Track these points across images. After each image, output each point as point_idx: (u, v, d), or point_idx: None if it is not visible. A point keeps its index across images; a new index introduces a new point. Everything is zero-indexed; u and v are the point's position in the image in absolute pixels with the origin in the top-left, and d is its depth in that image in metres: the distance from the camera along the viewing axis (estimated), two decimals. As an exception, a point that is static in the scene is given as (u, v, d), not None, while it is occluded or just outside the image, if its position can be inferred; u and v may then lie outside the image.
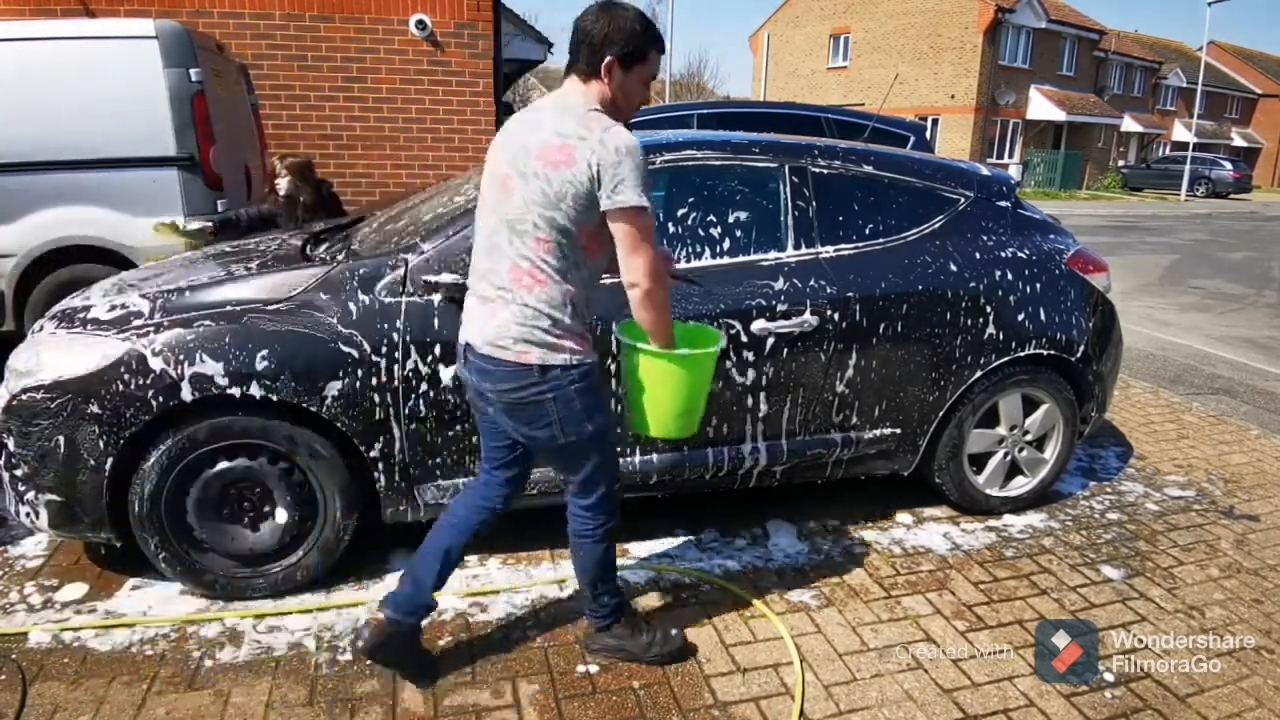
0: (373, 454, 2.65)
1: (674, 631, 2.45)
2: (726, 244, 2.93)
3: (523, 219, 2.00)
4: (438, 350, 2.62)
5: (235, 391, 2.48)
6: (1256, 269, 12.13)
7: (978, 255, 3.19)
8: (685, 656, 2.42)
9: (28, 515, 2.59)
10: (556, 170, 1.95)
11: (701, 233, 2.93)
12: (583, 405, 2.10)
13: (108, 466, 2.48)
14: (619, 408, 2.75)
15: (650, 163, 2.91)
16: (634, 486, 2.92)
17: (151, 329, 2.51)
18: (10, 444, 2.53)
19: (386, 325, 2.59)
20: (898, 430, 3.16)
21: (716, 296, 2.84)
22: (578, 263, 2.05)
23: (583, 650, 2.44)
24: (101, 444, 2.46)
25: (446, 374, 2.64)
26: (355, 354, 2.56)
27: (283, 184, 4.35)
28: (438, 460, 2.72)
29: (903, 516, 3.37)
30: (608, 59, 1.99)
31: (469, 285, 2.20)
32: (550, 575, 2.85)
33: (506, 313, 2.04)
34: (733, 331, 2.84)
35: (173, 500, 2.54)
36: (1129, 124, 34.43)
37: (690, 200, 2.96)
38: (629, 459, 2.87)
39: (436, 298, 2.63)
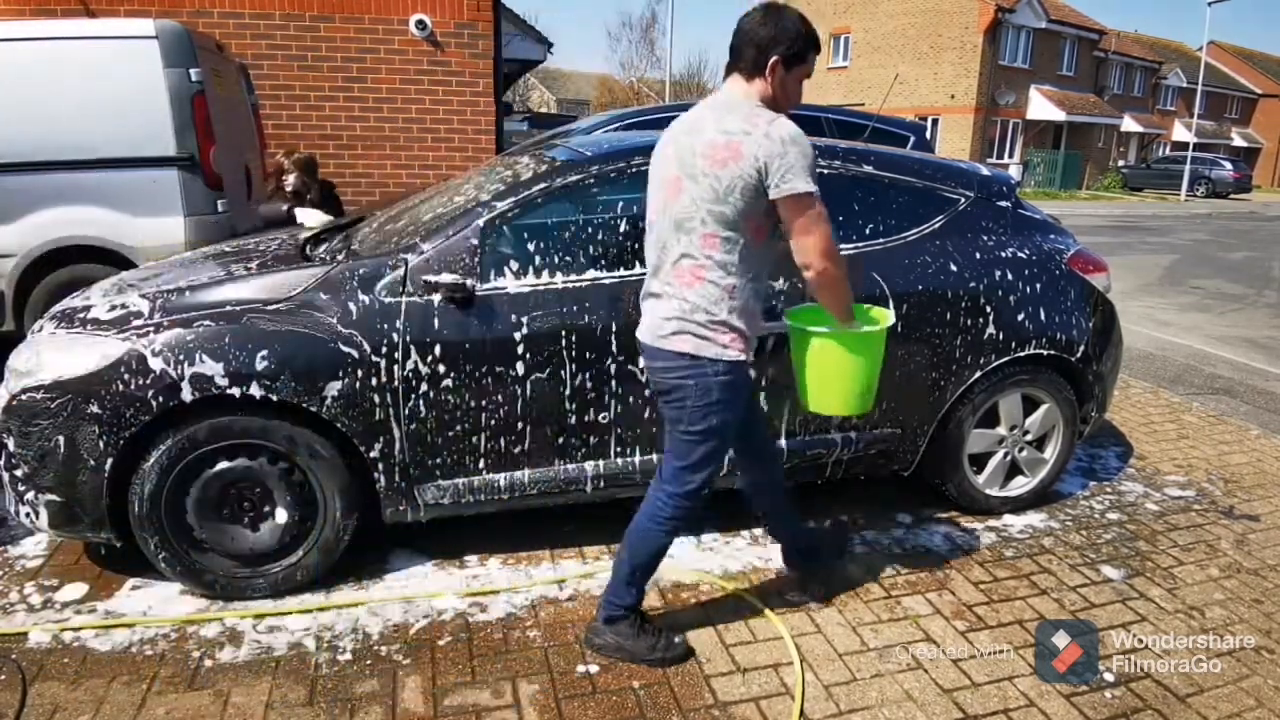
0: (373, 454, 2.65)
1: (677, 639, 2.45)
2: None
3: (691, 217, 2.13)
4: (438, 350, 2.62)
5: (235, 391, 2.48)
6: (1256, 269, 12.12)
7: (978, 255, 3.19)
8: (685, 660, 2.42)
9: (28, 515, 2.59)
10: (724, 167, 2.07)
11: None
12: (717, 399, 2.19)
13: (108, 466, 2.48)
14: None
15: (650, 163, 2.93)
16: (634, 485, 2.92)
17: (151, 329, 2.52)
18: (10, 444, 2.53)
19: (386, 325, 2.59)
20: (898, 430, 3.16)
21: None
22: (745, 254, 2.15)
23: (582, 650, 2.44)
24: (101, 444, 2.46)
25: (446, 374, 2.64)
26: (355, 354, 2.56)
27: (291, 180, 4.35)
28: (438, 460, 2.72)
29: (903, 516, 3.37)
30: (773, 59, 2.12)
31: (644, 287, 2.33)
32: (550, 575, 2.85)
33: (667, 306, 2.20)
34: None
35: (173, 500, 2.54)
36: (1129, 124, 34.42)
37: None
38: (628, 459, 2.87)
39: (436, 298, 2.63)
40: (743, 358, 2.21)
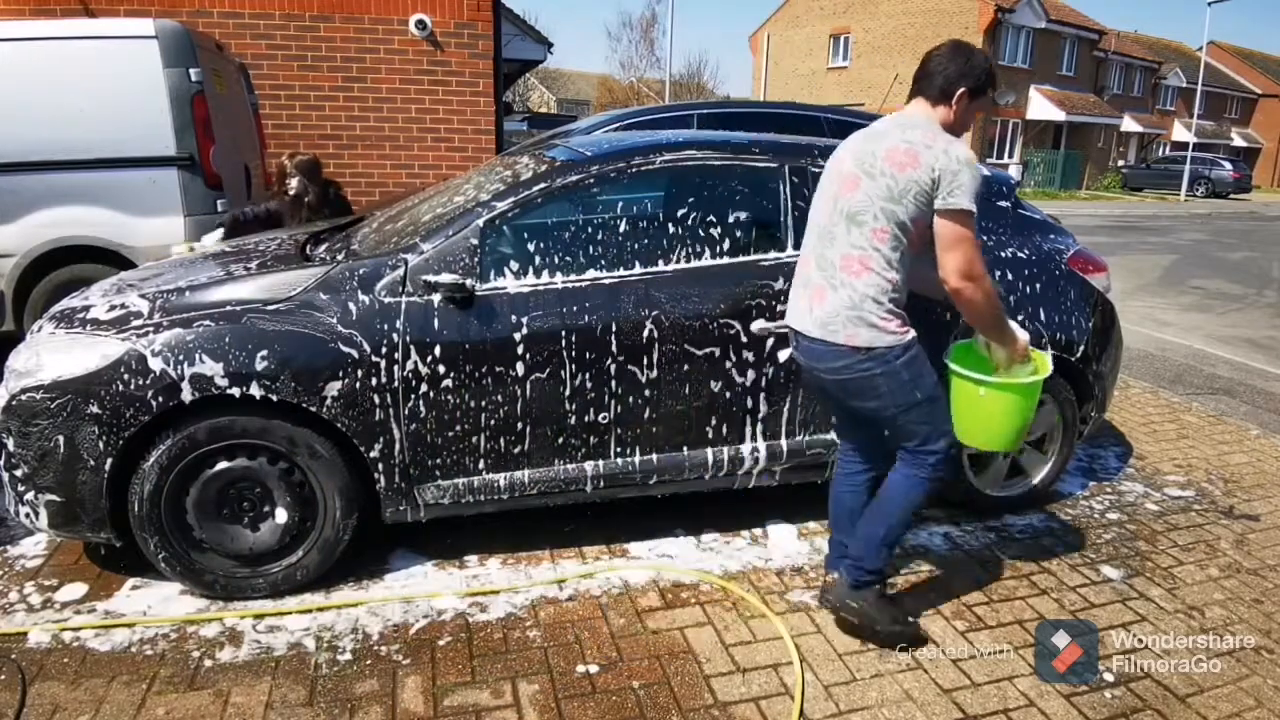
0: (373, 454, 2.65)
1: (911, 618, 2.55)
2: (726, 244, 2.93)
3: (864, 211, 2.28)
4: (437, 350, 2.62)
5: (235, 392, 2.48)
6: (1256, 269, 12.13)
7: (978, 255, 3.18)
8: (919, 643, 2.50)
9: (28, 515, 2.59)
10: (903, 171, 2.23)
11: (701, 232, 2.92)
12: (910, 376, 2.32)
13: (107, 466, 2.48)
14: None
15: (649, 163, 2.93)
16: (634, 485, 2.92)
17: (151, 329, 2.52)
18: (10, 444, 2.53)
19: (386, 325, 2.59)
20: (898, 430, 3.16)
21: (717, 296, 2.84)
22: (903, 254, 2.29)
23: (582, 649, 2.44)
24: (101, 444, 2.46)
25: (446, 374, 2.64)
26: (355, 354, 2.56)
27: (293, 184, 4.35)
28: (438, 460, 2.72)
29: (902, 516, 3.36)
30: (961, 90, 2.31)
31: (795, 275, 2.48)
32: (550, 575, 2.85)
33: (835, 298, 2.31)
34: (732, 331, 2.84)
35: (172, 500, 2.55)
36: (1129, 124, 34.42)
37: (690, 200, 2.96)
38: (629, 459, 2.87)
39: (436, 298, 2.63)
40: (912, 333, 2.34)
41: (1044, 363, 2.53)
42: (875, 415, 2.41)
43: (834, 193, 2.36)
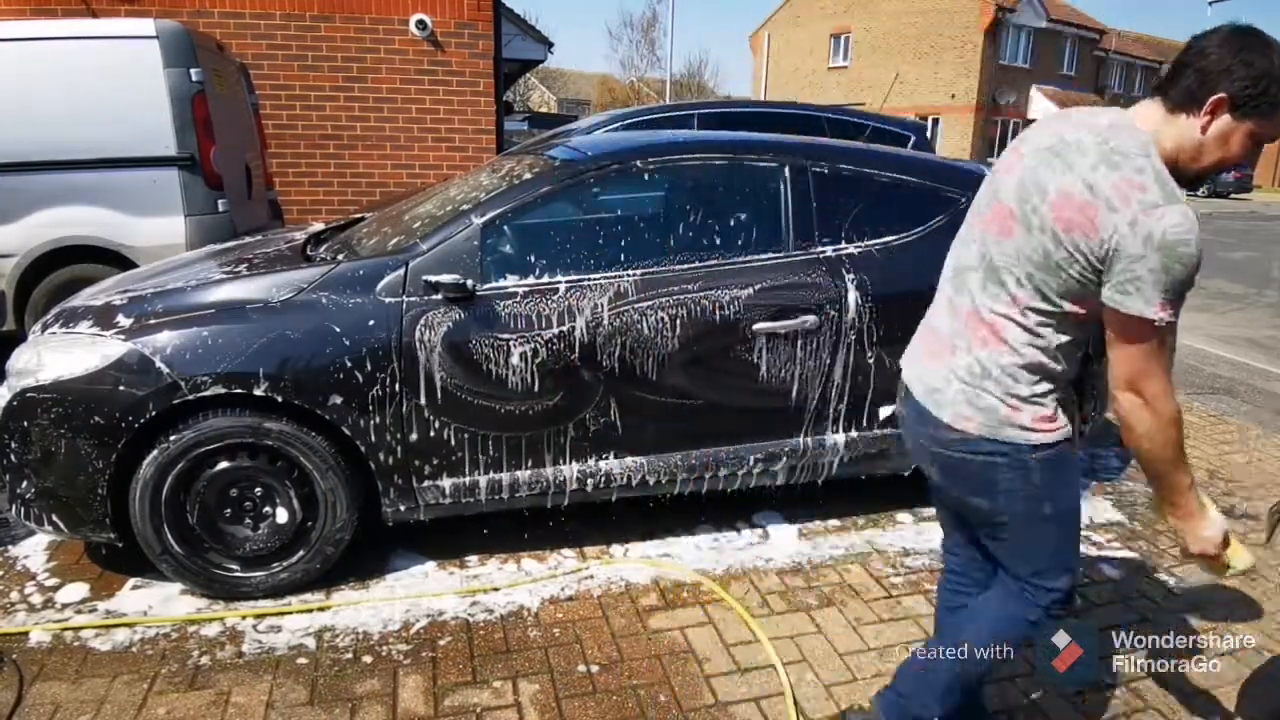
0: (373, 454, 2.64)
1: None
2: (727, 244, 2.93)
3: (1009, 269, 1.61)
4: (438, 350, 2.62)
5: (236, 391, 2.48)
6: (1256, 269, 12.11)
7: (978, 255, 3.18)
8: None
9: (29, 515, 2.59)
10: (1069, 232, 1.51)
11: (702, 233, 2.92)
12: (1042, 482, 1.68)
13: (108, 467, 2.48)
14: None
15: (650, 163, 2.93)
16: (633, 485, 2.92)
17: (152, 329, 2.52)
18: (11, 445, 2.53)
19: (387, 325, 2.59)
20: (898, 430, 3.15)
21: (718, 296, 2.84)
22: (1062, 332, 1.61)
23: (582, 648, 2.44)
24: (102, 444, 2.46)
25: (446, 374, 2.64)
26: (356, 354, 2.56)
27: None
28: (438, 460, 2.72)
29: (903, 516, 3.36)
30: (1218, 95, 1.47)
31: (931, 307, 1.89)
32: (550, 574, 2.85)
33: (953, 362, 1.70)
34: (734, 331, 2.84)
35: (173, 500, 2.55)
36: (1129, 124, 34.40)
37: (690, 200, 2.96)
38: (629, 459, 2.87)
39: (437, 298, 2.63)
40: (1063, 432, 1.68)
41: (1239, 555, 1.77)
42: (985, 520, 1.78)
43: (983, 219, 1.70)
